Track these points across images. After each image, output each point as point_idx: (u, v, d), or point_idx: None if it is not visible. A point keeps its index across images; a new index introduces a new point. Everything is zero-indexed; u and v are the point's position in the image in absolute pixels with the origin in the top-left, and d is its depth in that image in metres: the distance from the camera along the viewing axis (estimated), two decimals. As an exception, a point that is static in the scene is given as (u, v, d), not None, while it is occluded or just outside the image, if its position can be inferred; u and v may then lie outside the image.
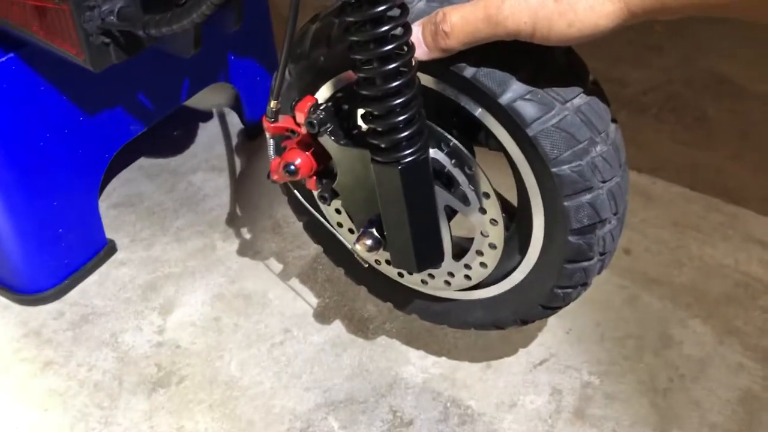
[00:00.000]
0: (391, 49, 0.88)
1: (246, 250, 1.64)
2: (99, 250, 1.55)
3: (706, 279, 1.56)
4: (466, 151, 1.01)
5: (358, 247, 1.06)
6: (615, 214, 1.03)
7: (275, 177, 1.09)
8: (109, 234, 1.61)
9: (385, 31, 0.87)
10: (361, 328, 1.47)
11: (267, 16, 1.80)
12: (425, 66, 0.95)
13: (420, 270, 1.05)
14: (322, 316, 1.49)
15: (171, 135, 1.98)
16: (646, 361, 1.41)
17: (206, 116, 2.06)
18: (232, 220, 1.72)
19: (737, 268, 1.58)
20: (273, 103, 1.04)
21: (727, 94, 2.15)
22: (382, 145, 0.95)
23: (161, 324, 1.47)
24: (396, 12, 0.88)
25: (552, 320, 1.48)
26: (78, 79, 1.35)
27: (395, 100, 0.92)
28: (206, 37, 1.18)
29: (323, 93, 1.08)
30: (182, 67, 1.57)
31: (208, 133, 2.01)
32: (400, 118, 0.93)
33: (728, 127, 2.03)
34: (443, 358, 1.41)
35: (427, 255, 1.04)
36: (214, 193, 1.80)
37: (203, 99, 2.03)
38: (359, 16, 0.86)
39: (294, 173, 1.06)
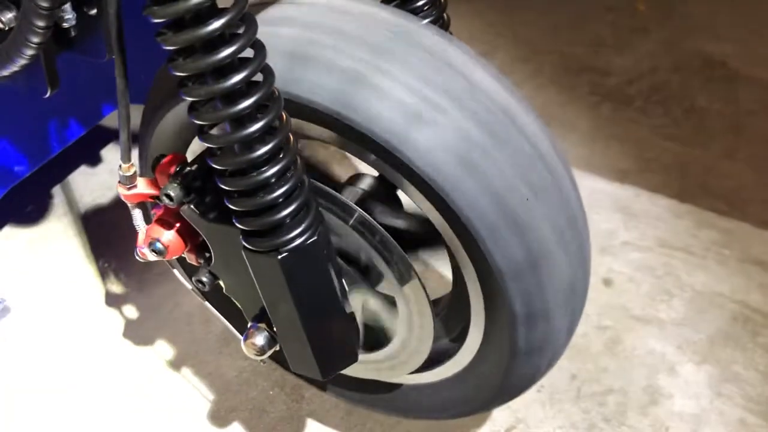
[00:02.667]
0: (248, 106, 0.66)
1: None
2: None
3: (699, 313, 1.34)
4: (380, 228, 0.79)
5: (245, 348, 0.84)
6: None
7: (141, 255, 0.86)
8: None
9: (238, 81, 0.65)
10: (295, 397, 1.25)
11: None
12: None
13: (326, 376, 0.83)
14: (247, 382, 1.28)
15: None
16: (630, 422, 1.19)
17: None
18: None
19: (734, 297, 1.36)
20: (124, 167, 0.81)
21: (719, 79, 1.91)
22: (254, 230, 0.72)
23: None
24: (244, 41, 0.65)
25: (520, 375, 1.26)
26: None
27: (264, 173, 0.69)
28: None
29: (195, 148, 0.86)
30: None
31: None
32: (274, 194, 0.70)
33: (720, 119, 1.79)
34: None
35: (332, 357, 0.82)
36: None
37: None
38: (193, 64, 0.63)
39: (161, 253, 0.84)
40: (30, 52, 0.78)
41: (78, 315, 1.40)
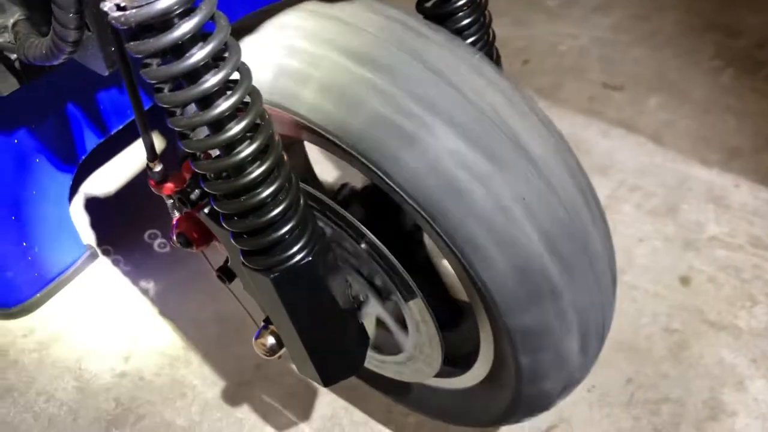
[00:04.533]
0: (238, 131, 0.64)
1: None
2: (75, 260, 1.42)
3: (784, 324, 1.23)
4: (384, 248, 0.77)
5: (255, 347, 0.85)
6: None
7: (173, 243, 0.89)
8: (87, 240, 1.48)
9: (226, 109, 0.63)
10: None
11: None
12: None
13: (327, 384, 0.83)
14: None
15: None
16: (681, 437, 1.13)
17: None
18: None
19: (829, 311, 1.24)
20: (152, 164, 0.82)
21: None
22: (248, 249, 0.72)
23: (129, 350, 1.34)
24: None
25: (573, 371, 1.22)
26: (41, 85, 1.19)
27: (255, 196, 0.68)
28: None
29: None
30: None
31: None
32: (266, 217, 0.69)
33: None
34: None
35: (333, 367, 0.82)
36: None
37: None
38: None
39: (187, 245, 0.85)
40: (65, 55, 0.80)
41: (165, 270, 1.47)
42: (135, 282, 1.44)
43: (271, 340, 0.84)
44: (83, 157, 1.34)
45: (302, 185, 0.79)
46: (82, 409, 1.26)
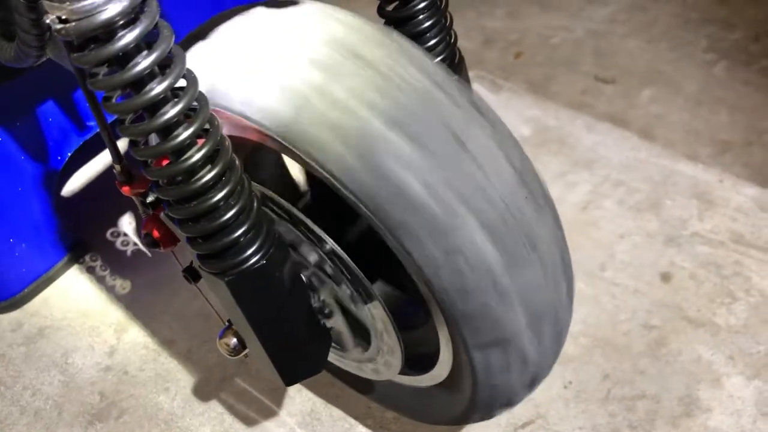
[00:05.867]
0: (187, 138, 0.65)
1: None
2: (62, 256, 1.44)
3: (763, 322, 1.23)
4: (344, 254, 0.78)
5: (218, 346, 0.86)
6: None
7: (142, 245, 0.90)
8: (74, 236, 1.50)
9: (173, 115, 0.64)
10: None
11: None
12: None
13: (289, 384, 0.84)
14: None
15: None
16: (656, 433, 1.14)
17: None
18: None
19: (808, 308, 1.24)
20: (116, 167, 0.83)
21: None
22: (202, 253, 0.73)
23: (114, 344, 1.36)
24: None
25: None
26: (24, 83, 1.21)
27: (206, 201, 0.69)
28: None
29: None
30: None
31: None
32: (219, 220, 0.70)
33: None
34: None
35: (294, 366, 0.83)
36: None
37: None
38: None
39: (154, 245, 0.87)
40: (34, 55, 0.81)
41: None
42: (121, 277, 1.46)
43: (233, 340, 0.85)
44: (69, 154, 1.35)
45: (261, 189, 0.80)
46: (67, 403, 1.29)
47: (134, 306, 1.41)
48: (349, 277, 0.81)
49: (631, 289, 1.30)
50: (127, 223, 1.54)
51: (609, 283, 1.31)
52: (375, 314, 0.84)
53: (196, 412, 1.25)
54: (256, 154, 0.94)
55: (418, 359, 0.92)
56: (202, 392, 1.27)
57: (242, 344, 0.85)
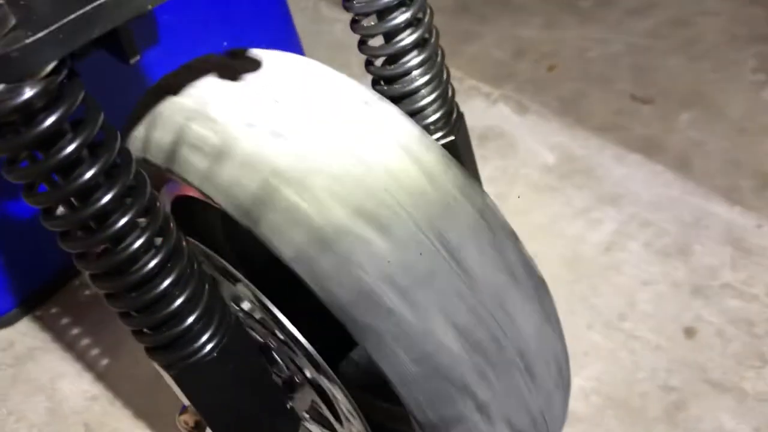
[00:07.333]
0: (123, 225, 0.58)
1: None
2: (53, 274, 1.39)
3: (795, 390, 1.12)
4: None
5: (177, 423, 0.80)
6: None
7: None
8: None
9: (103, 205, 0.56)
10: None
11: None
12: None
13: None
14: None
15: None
16: None
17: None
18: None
19: None
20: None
21: None
22: (147, 345, 0.66)
23: (102, 372, 1.31)
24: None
25: None
26: None
27: (151, 290, 0.61)
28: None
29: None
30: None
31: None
32: (167, 310, 0.63)
33: None
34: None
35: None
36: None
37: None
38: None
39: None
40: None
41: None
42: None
43: (193, 419, 0.78)
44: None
45: (214, 255, 0.73)
46: (51, 433, 1.24)
47: (126, 333, 1.35)
48: (307, 357, 0.73)
49: (652, 345, 1.20)
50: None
51: (628, 336, 1.21)
52: (342, 400, 0.76)
53: (180, 452, 1.19)
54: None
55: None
56: (188, 430, 1.21)
57: (201, 427, 0.78)
